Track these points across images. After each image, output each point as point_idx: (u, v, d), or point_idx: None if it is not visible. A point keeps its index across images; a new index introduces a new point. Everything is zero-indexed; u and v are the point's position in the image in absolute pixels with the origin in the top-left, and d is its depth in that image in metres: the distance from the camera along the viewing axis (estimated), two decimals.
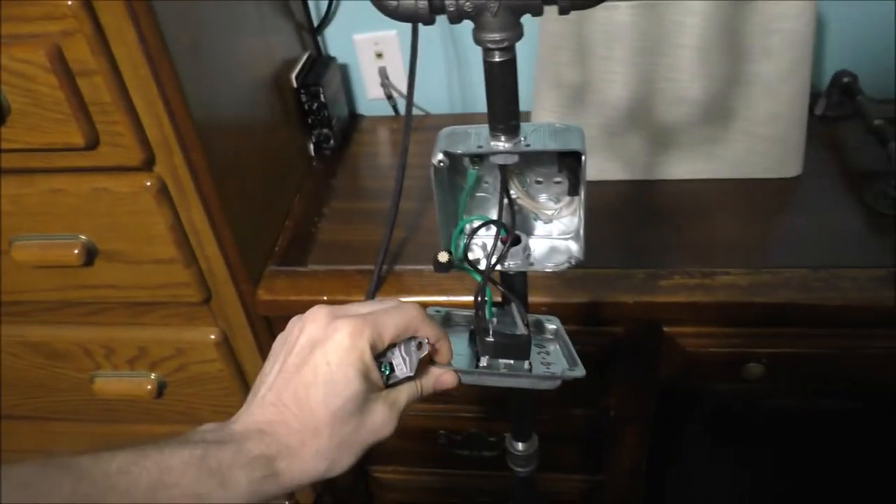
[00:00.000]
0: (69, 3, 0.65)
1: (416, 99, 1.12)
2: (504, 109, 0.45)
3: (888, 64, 1.06)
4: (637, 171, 0.97)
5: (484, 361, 0.54)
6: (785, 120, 0.92)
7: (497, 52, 0.43)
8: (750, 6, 0.85)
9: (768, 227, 0.91)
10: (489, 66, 0.43)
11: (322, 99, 1.05)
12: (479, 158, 0.49)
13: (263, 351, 0.95)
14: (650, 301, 0.81)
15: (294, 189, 1.03)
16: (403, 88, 1.16)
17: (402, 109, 1.20)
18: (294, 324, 0.47)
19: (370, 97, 1.20)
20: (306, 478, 0.43)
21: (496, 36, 0.42)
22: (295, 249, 0.94)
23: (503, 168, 0.48)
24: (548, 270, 0.51)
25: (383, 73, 1.16)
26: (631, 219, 0.93)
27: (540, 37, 0.93)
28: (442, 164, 0.46)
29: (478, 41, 0.43)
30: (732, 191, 0.94)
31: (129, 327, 0.92)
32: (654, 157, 0.96)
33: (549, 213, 0.51)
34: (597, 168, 0.96)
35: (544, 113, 0.96)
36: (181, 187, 0.78)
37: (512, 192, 0.50)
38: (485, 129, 0.47)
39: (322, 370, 0.43)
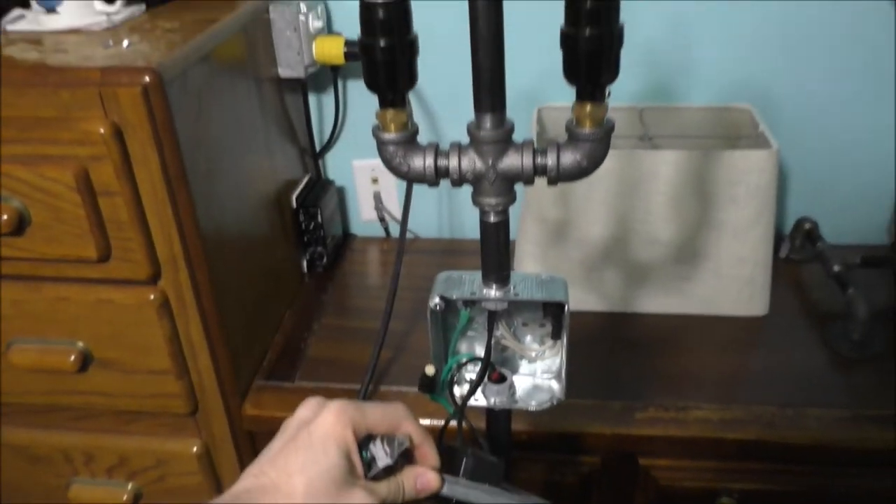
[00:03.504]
0: (101, 130, 0.70)
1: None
2: (496, 262, 0.50)
3: (847, 209, 1.15)
4: (614, 303, 1.02)
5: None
6: (751, 262, 0.98)
7: (493, 214, 0.48)
8: (718, 159, 0.94)
9: (738, 363, 0.95)
10: (485, 226, 0.49)
11: (319, 219, 1.10)
12: (471, 302, 0.53)
13: (245, 466, 0.95)
14: (626, 433, 0.84)
15: (286, 304, 1.07)
16: (395, 212, 1.23)
17: (393, 231, 1.26)
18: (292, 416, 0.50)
19: (364, 218, 1.26)
20: None
21: (492, 200, 0.48)
22: (283, 364, 0.96)
23: (493, 312, 0.53)
24: (531, 409, 0.55)
25: (377, 198, 1.23)
26: (607, 349, 0.97)
27: None
28: (438, 307, 0.51)
29: (476, 203, 0.49)
30: (703, 326, 1.00)
31: (113, 435, 0.93)
32: (629, 291, 1.01)
33: (533, 353, 0.56)
34: (576, 299, 0.99)
35: (528, 245, 1.02)
36: (183, 301, 0.82)
37: (499, 333, 0.55)
38: (478, 275, 0.52)
39: (303, 439, 0.46)
